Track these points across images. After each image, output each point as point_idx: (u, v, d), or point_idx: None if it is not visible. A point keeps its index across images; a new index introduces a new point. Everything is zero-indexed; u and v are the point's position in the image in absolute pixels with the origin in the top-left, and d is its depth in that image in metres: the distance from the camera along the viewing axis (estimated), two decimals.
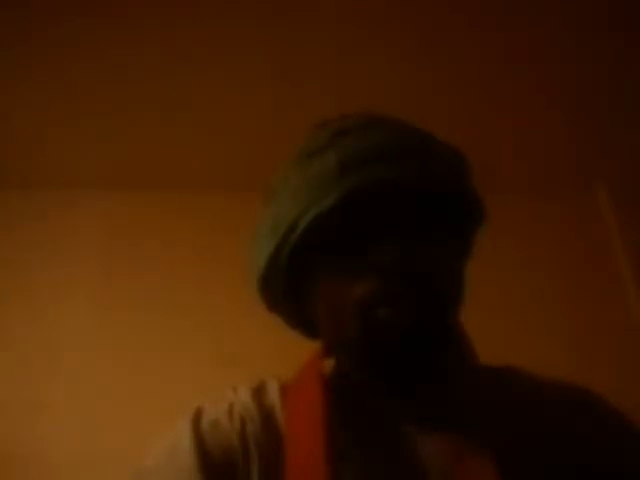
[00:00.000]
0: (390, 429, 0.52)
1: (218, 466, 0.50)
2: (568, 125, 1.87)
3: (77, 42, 1.50)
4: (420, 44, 1.55)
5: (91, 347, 1.83)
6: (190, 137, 1.86)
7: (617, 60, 1.63)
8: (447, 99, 1.71)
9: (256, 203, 0.64)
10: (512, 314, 1.83)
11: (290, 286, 0.58)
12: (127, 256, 1.98)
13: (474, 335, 0.59)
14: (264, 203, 0.61)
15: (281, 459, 0.50)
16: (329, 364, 0.59)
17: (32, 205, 2.02)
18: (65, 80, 1.62)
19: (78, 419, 1.70)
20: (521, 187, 1.98)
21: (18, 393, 1.74)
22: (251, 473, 0.50)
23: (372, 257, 0.50)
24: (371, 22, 1.49)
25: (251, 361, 1.44)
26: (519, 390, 0.57)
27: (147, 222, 2.02)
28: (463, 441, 0.49)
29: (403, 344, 0.49)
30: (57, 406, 1.72)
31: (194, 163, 1.96)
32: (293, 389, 0.58)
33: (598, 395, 0.58)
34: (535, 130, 1.89)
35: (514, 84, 1.70)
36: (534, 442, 0.50)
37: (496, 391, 0.56)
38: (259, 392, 0.58)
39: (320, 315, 0.57)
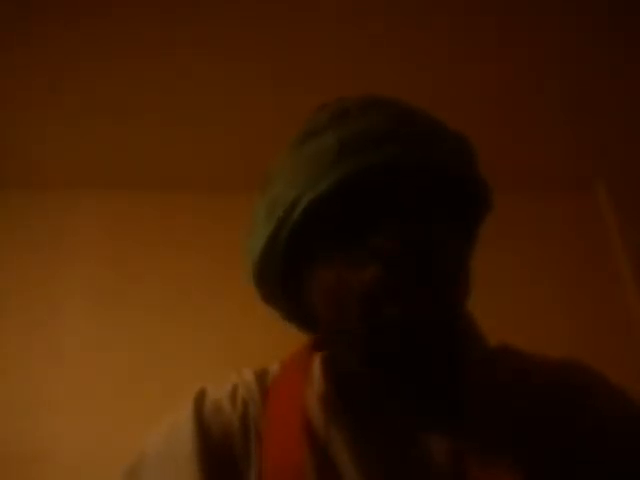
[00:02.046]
0: (391, 425, 0.51)
1: (218, 450, 0.51)
2: (568, 125, 1.87)
3: (78, 42, 1.50)
4: (420, 44, 1.55)
5: (91, 347, 1.83)
6: (191, 137, 1.86)
7: (617, 60, 1.63)
8: (447, 99, 1.71)
9: None
10: (512, 314, 1.83)
11: (287, 275, 0.55)
12: (127, 256, 1.98)
13: None
14: (261, 191, 0.58)
15: None
16: (325, 356, 0.58)
17: (32, 205, 2.02)
18: (65, 80, 1.62)
19: (79, 419, 1.70)
20: (521, 187, 1.98)
21: (19, 393, 1.74)
22: (250, 457, 0.50)
23: (371, 243, 0.48)
24: (371, 23, 1.49)
25: (254, 360, 1.44)
26: (519, 376, 0.55)
27: (147, 222, 2.02)
28: (464, 438, 0.48)
29: (404, 340, 0.48)
30: (58, 406, 1.72)
31: (195, 163, 1.96)
32: (277, 378, 0.58)
33: (597, 374, 0.57)
34: (535, 130, 1.89)
35: (514, 84, 1.71)
36: (535, 430, 0.49)
37: (498, 383, 0.54)
38: (262, 376, 0.59)
39: (318, 305, 0.55)
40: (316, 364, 0.57)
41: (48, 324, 1.85)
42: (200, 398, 0.56)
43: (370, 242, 0.48)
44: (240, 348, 1.75)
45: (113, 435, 1.62)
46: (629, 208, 2.04)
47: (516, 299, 1.87)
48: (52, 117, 1.76)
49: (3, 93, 1.66)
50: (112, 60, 1.56)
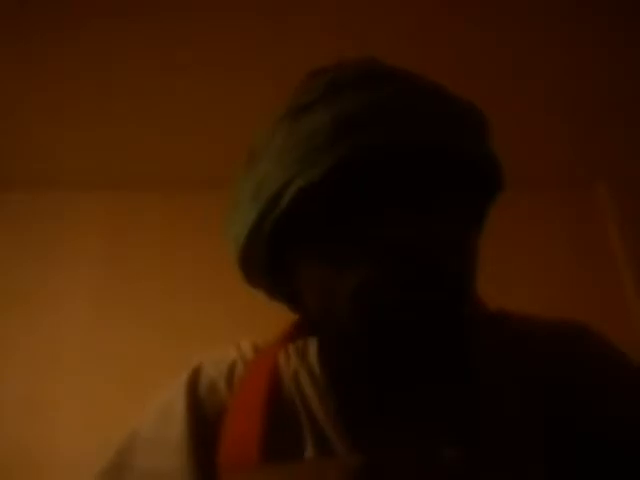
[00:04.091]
0: (392, 418, 0.49)
1: (211, 432, 0.49)
2: (568, 124, 1.87)
3: (78, 45, 1.49)
4: (418, 44, 1.55)
5: (92, 347, 1.83)
6: (191, 138, 1.86)
7: (617, 59, 1.63)
8: None
9: None
10: None
11: (272, 260, 0.51)
12: (127, 256, 1.98)
13: None
14: (245, 163, 0.52)
15: None
16: (321, 343, 0.56)
17: (33, 206, 2.02)
18: (66, 84, 1.62)
19: (78, 419, 1.70)
20: (521, 186, 1.97)
21: (19, 393, 1.74)
22: None
23: (367, 237, 0.44)
24: (370, 25, 1.49)
25: None
26: (520, 339, 0.53)
27: (147, 222, 2.02)
28: (472, 430, 0.46)
29: (397, 342, 0.46)
30: (58, 406, 1.72)
31: (195, 164, 1.96)
32: (252, 365, 0.55)
33: (596, 332, 0.55)
34: (535, 130, 1.89)
35: (514, 83, 1.70)
36: (542, 400, 0.47)
37: (498, 370, 0.51)
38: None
39: (306, 296, 0.51)
40: (312, 349, 0.55)
41: (48, 324, 1.85)
42: (194, 376, 0.54)
43: (366, 236, 0.44)
44: None
45: (112, 435, 1.62)
46: (629, 208, 2.04)
47: (515, 299, 1.86)
48: (53, 120, 1.76)
49: (5, 95, 1.66)
50: (113, 64, 1.56)
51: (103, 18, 1.42)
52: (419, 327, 0.44)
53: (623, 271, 1.99)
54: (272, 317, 0.65)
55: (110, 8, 1.40)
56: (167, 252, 1.97)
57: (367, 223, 0.44)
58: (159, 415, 0.53)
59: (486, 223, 0.56)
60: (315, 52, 1.55)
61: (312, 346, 0.56)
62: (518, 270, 1.93)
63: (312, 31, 1.49)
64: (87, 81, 1.62)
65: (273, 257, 0.51)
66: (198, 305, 1.87)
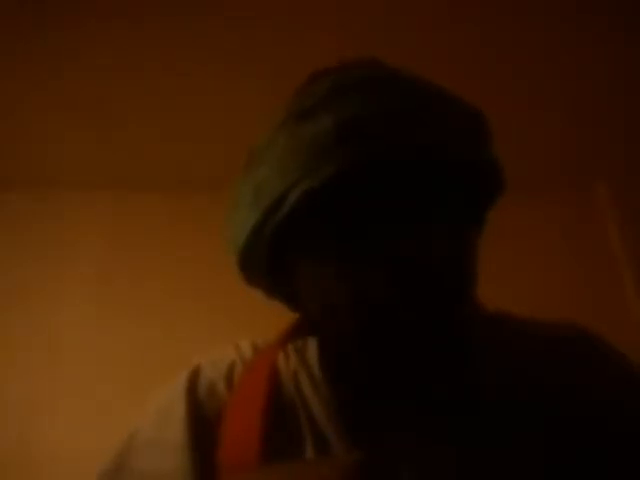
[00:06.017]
0: (391, 416, 0.49)
1: (211, 435, 0.49)
2: (568, 125, 1.87)
3: (80, 46, 1.49)
4: (418, 44, 1.55)
5: (92, 347, 1.82)
6: (191, 138, 1.86)
7: (617, 59, 1.63)
8: None
9: None
10: None
11: (273, 260, 0.52)
12: (127, 256, 1.98)
13: None
14: (244, 167, 0.53)
15: None
16: (321, 342, 0.56)
17: (33, 206, 2.02)
18: (65, 84, 1.62)
19: (78, 419, 1.70)
20: (521, 187, 1.97)
21: (19, 393, 1.74)
22: None
23: (370, 239, 0.44)
24: (361, 26, 1.49)
25: None
26: (520, 341, 0.53)
27: (148, 223, 2.02)
28: (473, 432, 0.46)
29: (397, 342, 0.46)
30: (58, 407, 1.72)
31: (195, 164, 1.96)
32: (249, 367, 0.55)
33: (595, 336, 0.55)
34: (536, 130, 1.89)
35: (514, 83, 1.70)
36: (542, 405, 0.47)
37: (499, 372, 0.51)
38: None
39: (307, 296, 0.51)
40: (312, 349, 0.55)
41: (48, 324, 1.85)
42: (194, 377, 0.54)
43: (367, 238, 0.44)
44: None
45: (112, 436, 1.62)
46: (629, 208, 2.04)
47: (515, 300, 1.86)
48: (53, 120, 1.75)
49: (4, 95, 1.66)
50: (112, 65, 1.56)
51: (104, 18, 1.42)
52: (419, 327, 0.45)
53: (623, 271, 1.99)
54: (272, 317, 0.65)
55: (111, 8, 1.40)
56: (167, 252, 1.97)
57: (368, 225, 0.45)
58: (159, 416, 0.53)
59: (486, 224, 0.57)
60: (315, 52, 1.55)
61: (312, 346, 0.56)
62: (518, 270, 1.93)
63: (312, 31, 1.49)
64: (87, 81, 1.62)
65: (273, 257, 0.51)
66: (198, 305, 1.87)
